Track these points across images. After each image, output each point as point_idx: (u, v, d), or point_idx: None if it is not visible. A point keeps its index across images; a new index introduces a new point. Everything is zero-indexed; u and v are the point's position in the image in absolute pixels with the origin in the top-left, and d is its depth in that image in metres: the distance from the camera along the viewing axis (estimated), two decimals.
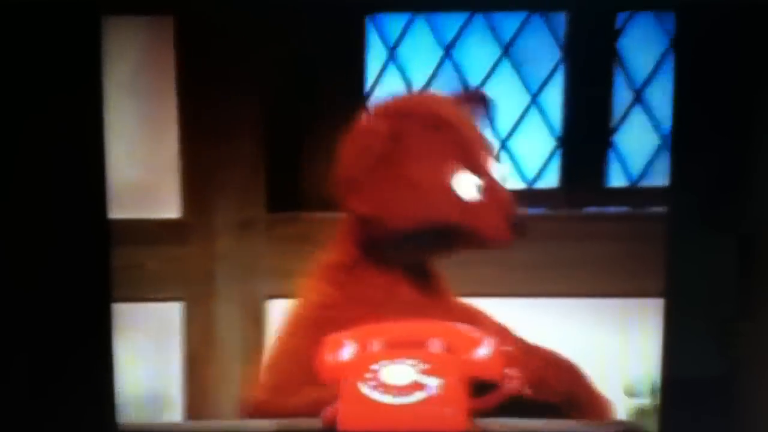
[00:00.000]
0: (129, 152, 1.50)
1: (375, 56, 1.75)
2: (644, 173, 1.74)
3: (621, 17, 1.71)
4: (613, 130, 1.74)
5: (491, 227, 1.24)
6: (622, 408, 1.17)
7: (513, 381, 1.17)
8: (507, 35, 1.74)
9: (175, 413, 1.63)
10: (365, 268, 1.30)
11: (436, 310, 1.28)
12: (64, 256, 0.97)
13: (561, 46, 1.73)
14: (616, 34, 1.72)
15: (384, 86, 1.75)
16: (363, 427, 1.10)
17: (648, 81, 1.73)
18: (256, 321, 1.70)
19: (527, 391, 1.18)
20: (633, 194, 1.73)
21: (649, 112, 1.73)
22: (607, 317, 1.54)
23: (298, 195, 1.73)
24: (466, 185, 1.23)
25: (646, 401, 1.14)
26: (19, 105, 0.95)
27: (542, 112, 1.76)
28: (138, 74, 1.52)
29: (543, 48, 1.75)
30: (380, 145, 1.25)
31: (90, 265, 0.99)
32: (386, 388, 1.10)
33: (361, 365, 1.14)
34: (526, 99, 1.76)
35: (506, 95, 1.76)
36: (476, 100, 1.31)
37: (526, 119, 1.76)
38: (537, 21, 1.74)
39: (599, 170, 1.73)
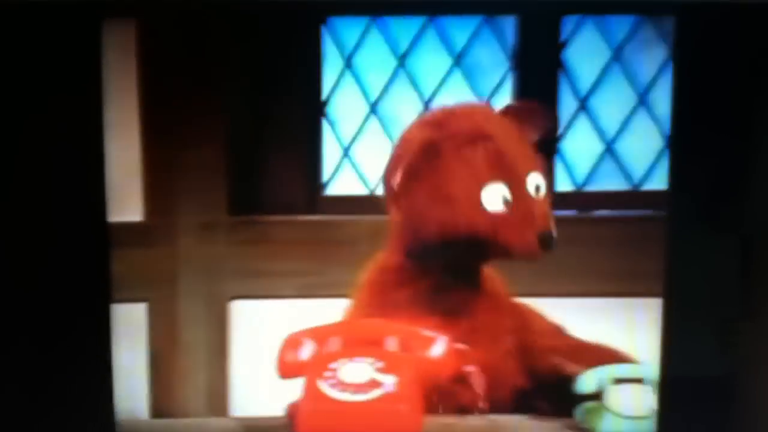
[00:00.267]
0: None
1: (331, 65, 1.75)
2: (588, 178, 1.76)
3: (567, 27, 1.72)
4: (559, 137, 1.75)
5: (518, 241, 1.20)
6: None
7: (474, 377, 1.17)
8: (458, 46, 1.74)
9: (141, 410, 1.61)
10: (411, 271, 1.28)
11: (484, 311, 1.26)
12: (63, 255, 0.95)
13: (509, 55, 1.74)
14: (562, 44, 1.72)
15: (340, 94, 1.75)
16: (322, 423, 1.10)
17: (593, 89, 1.74)
18: (219, 320, 1.68)
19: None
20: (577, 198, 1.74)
21: (594, 120, 1.74)
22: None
23: (258, 199, 1.72)
24: (495, 198, 1.20)
25: (593, 401, 1.14)
26: (20, 106, 0.93)
27: None
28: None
29: (492, 58, 1.75)
30: (415, 155, 1.22)
31: (89, 264, 0.97)
32: (344, 386, 1.09)
33: (321, 364, 1.13)
34: None
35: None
36: (532, 113, 1.27)
37: None
38: (486, 32, 1.74)
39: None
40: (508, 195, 1.20)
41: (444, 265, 1.25)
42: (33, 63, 0.92)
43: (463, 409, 1.19)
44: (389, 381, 1.10)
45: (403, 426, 1.09)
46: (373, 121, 1.76)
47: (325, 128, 1.76)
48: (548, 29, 1.72)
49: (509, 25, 1.73)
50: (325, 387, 1.10)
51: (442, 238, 1.23)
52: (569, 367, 1.18)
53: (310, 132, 1.75)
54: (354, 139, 1.77)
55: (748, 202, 0.88)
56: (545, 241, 1.20)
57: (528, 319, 1.30)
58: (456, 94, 1.74)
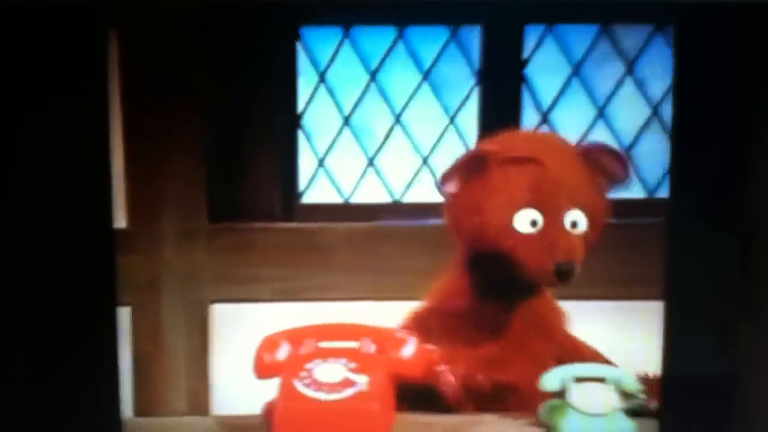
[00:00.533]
0: None
1: (306, 79, 1.74)
2: None
3: (529, 43, 1.73)
4: None
5: (535, 264, 1.18)
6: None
7: (445, 376, 1.16)
8: (426, 61, 1.74)
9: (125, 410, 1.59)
10: (465, 290, 1.27)
11: (532, 336, 1.25)
12: (67, 256, 0.93)
13: (475, 72, 1.74)
14: (525, 60, 1.73)
15: (315, 107, 1.75)
16: (298, 421, 1.09)
17: (555, 102, 1.74)
18: (199, 324, 1.66)
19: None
20: None
21: (554, 131, 1.75)
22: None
23: (237, 207, 1.71)
24: (525, 221, 1.19)
25: (556, 399, 1.14)
26: (23, 106, 0.91)
27: (459, 132, 1.76)
28: None
29: (459, 72, 1.75)
30: (463, 162, 1.21)
31: (93, 264, 0.95)
32: (319, 385, 1.08)
33: (297, 364, 1.12)
34: (444, 120, 1.76)
35: (426, 116, 1.76)
36: (609, 159, 1.24)
37: (445, 138, 1.76)
38: (453, 49, 1.74)
39: None
40: (540, 221, 1.18)
41: (494, 287, 1.24)
42: (37, 64, 0.91)
43: (436, 408, 1.18)
44: (362, 380, 1.09)
45: (375, 423, 1.08)
46: (347, 133, 1.76)
47: (301, 139, 1.76)
48: (511, 44, 1.72)
49: (474, 41, 1.73)
50: (300, 386, 1.09)
51: (476, 249, 1.23)
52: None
53: (287, 143, 1.74)
54: (329, 149, 1.77)
55: (748, 202, 0.87)
56: (562, 272, 1.18)
57: (579, 352, 1.28)
58: (425, 108, 1.74)
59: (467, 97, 1.75)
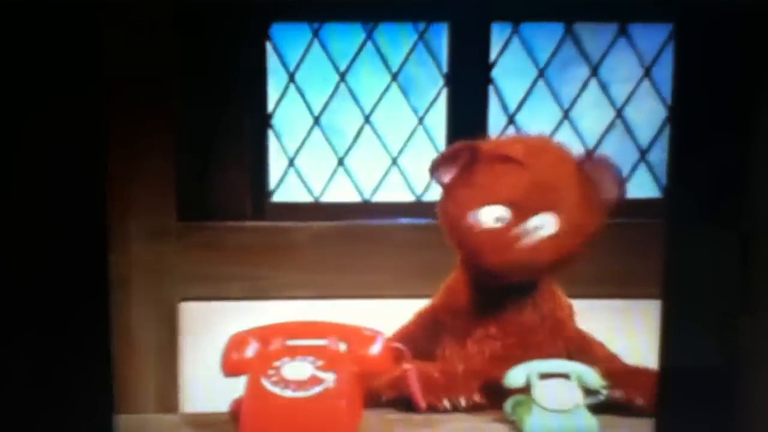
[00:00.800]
0: None
1: (277, 79, 1.74)
2: None
3: (496, 45, 1.73)
4: None
5: (488, 259, 1.19)
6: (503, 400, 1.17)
7: (409, 373, 1.16)
8: (395, 62, 1.74)
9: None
10: (470, 285, 1.26)
11: (540, 332, 1.24)
12: (62, 253, 0.92)
13: (444, 74, 1.74)
14: (492, 64, 1.73)
15: (285, 106, 1.74)
16: (265, 418, 1.08)
17: (522, 103, 1.75)
18: (169, 322, 1.65)
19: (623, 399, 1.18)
20: None
21: (521, 133, 1.75)
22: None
23: (207, 205, 1.70)
24: (491, 215, 1.19)
25: (521, 395, 1.14)
26: (21, 104, 0.89)
27: (428, 132, 1.76)
28: None
29: (427, 73, 1.75)
30: (455, 150, 1.22)
31: (88, 262, 0.94)
32: (286, 383, 1.08)
33: (265, 362, 1.12)
34: (413, 121, 1.76)
35: (395, 117, 1.76)
36: (602, 172, 1.23)
37: (414, 138, 1.76)
38: (421, 50, 1.74)
39: None
40: (506, 218, 1.18)
41: (494, 284, 1.24)
42: (32, 62, 0.89)
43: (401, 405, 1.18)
44: (329, 378, 1.09)
45: (342, 421, 1.08)
46: (317, 133, 1.75)
47: (271, 139, 1.75)
48: (479, 45, 1.72)
49: (442, 41, 1.73)
50: (268, 384, 1.09)
51: (453, 242, 1.23)
52: (618, 392, 1.17)
53: (257, 142, 1.73)
54: (299, 149, 1.76)
55: (747, 199, 0.86)
56: (512, 268, 1.18)
57: (587, 345, 1.28)
58: (394, 108, 1.74)
59: (436, 98, 1.75)
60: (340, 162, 1.76)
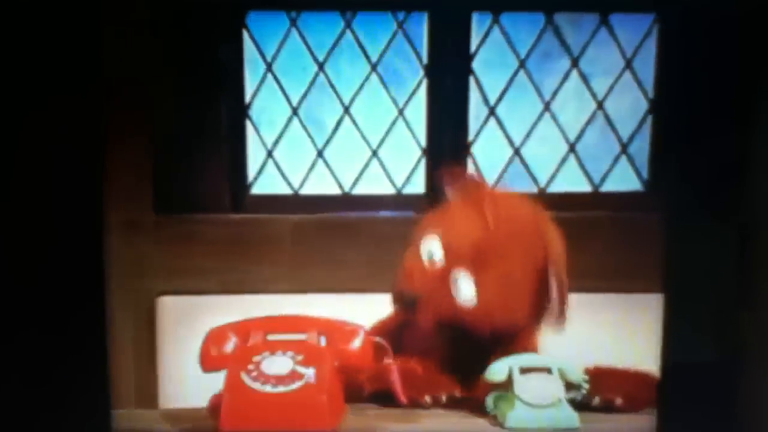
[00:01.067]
0: None
1: (254, 70, 1.72)
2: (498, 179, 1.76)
3: (476, 37, 1.72)
4: (471, 143, 1.75)
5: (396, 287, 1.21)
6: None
7: (390, 368, 1.16)
8: (375, 54, 1.73)
9: None
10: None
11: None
12: (61, 253, 0.91)
13: (424, 65, 1.73)
14: (473, 55, 1.72)
15: (263, 97, 1.73)
16: (245, 414, 1.07)
17: (502, 95, 1.74)
18: (147, 315, 1.65)
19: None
20: None
21: (502, 125, 1.75)
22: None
23: (185, 197, 1.69)
24: (428, 247, 1.19)
25: (502, 389, 1.14)
26: (20, 104, 0.88)
27: (408, 124, 1.75)
28: None
29: (408, 65, 1.74)
30: (459, 181, 1.23)
31: (85, 259, 0.93)
32: (266, 378, 1.07)
33: (244, 357, 1.11)
34: (393, 112, 1.75)
35: (375, 108, 1.75)
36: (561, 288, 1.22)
37: (394, 130, 1.76)
38: (401, 42, 1.73)
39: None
40: (438, 259, 1.18)
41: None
42: (32, 60, 0.88)
43: (383, 399, 1.18)
44: (310, 373, 1.08)
45: (323, 416, 1.07)
46: (295, 124, 1.74)
47: (249, 130, 1.74)
48: (459, 35, 1.72)
49: (422, 31, 1.72)
50: (247, 379, 1.08)
51: None
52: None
53: (235, 134, 1.72)
54: (277, 141, 1.75)
55: (747, 192, 0.86)
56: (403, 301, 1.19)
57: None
58: (374, 99, 1.73)
59: (416, 90, 1.74)
60: (320, 154, 1.75)
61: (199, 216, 1.65)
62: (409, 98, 1.74)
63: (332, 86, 1.73)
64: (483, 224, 1.18)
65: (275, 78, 1.73)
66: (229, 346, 1.14)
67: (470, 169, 1.25)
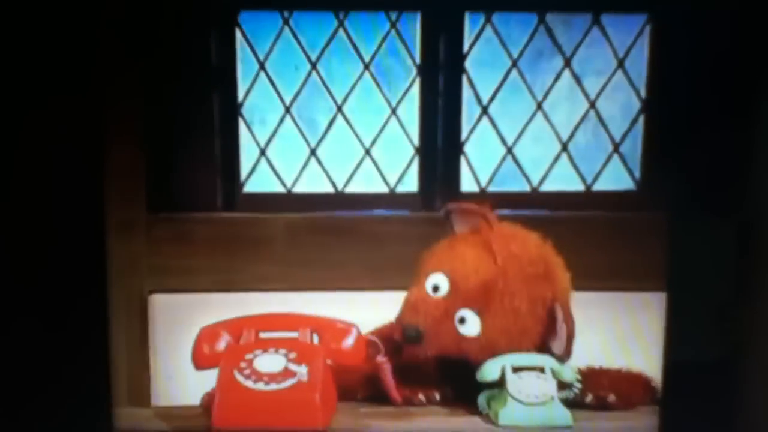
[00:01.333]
0: None
1: (247, 68, 1.72)
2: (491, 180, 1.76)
3: (469, 36, 1.72)
4: (464, 142, 1.75)
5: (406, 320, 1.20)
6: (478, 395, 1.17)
7: (383, 366, 1.15)
8: (368, 53, 1.73)
9: None
10: None
11: None
12: (61, 253, 0.91)
13: (416, 65, 1.73)
14: (466, 54, 1.72)
15: (256, 96, 1.73)
16: (237, 412, 1.07)
17: (494, 95, 1.74)
18: (139, 314, 1.65)
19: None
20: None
21: (494, 125, 1.75)
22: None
23: (177, 196, 1.68)
24: (433, 282, 1.19)
25: (495, 387, 1.14)
26: (20, 104, 0.88)
27: (401, 123, 1.75)
28: None
29: (401, 64, 1.74)
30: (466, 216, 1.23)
31: (87, 261, 0.93)
32: (259, 376, 1.07)
33: (236, 355, 1.11)
34: (386, 111, 1.75)
35: (367, 107, 1.75)
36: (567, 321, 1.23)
37: (387, 129, 1.75)
38: (394, 39, 1.73)
39: (453, 176, 1.74)
40: (443, 293, 1.17)
41: None
42: (32, 60, 0.88)
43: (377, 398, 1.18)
44: (302, 370, 1.08)
45: (315, 413, 1.07)
46: (288, 122, 1.74)
47: (242, 129, 1.73)
48: (452, 34, 1.72)
49: (415, 30, 1.72)
50: (240, 377, 1.08)
51: None
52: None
53: (228, 132, 1.71)
54: (270, 139, 1.75)
55: (747, 193, 0.86)
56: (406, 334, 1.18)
57: None
58: (367, 98, 1.73)
59: (408, 89, 1.74)
60: (313, 152, 1.75)
61: (192, 214, 1.65)
62: (402, 97, 1.74)
63: (325, 85, 1.73)
64: (491, 260, 1.17)
65: (268, 77, 1.72)
66: (222, 344, 1.14)
67: (479, 204, 1.22)
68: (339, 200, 1.76)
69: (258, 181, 1.76)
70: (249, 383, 1.07)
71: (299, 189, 1.77)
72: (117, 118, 1.44)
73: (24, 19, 0.88)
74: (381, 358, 1.17)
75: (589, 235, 1.58)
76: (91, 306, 0.94)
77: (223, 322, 1.17)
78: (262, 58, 1.72)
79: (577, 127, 1.75)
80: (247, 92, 1.72)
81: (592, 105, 1.74)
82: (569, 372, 1.15)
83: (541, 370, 1.13)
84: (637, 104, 1.73)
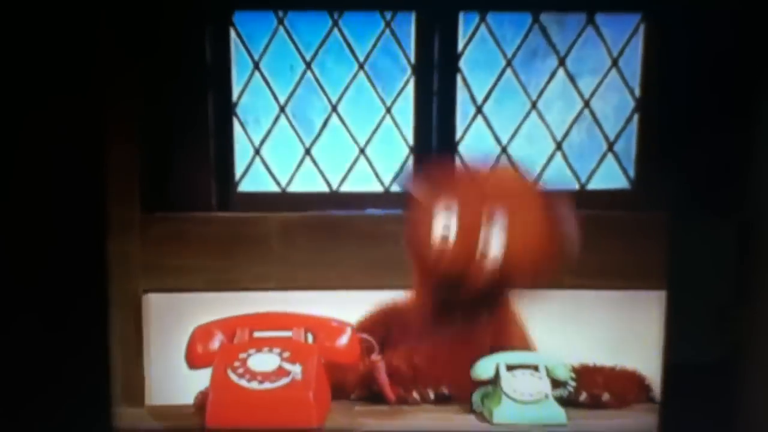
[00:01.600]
0: None
1: (242, 69, 1.72)
2: None
3: (463, 36, 1.72)
4: (458, 142, 1.75)
5: (433, 273, 1.21)
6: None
7: (377, 365, 1.15)
8: (362, 53, 1.73)
9: None
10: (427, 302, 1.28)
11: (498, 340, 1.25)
12: (62, 253, 0.91)
13: (411, 64, 1.73)
14: (460, 54, 1.72)
15: (251, 96, 1.73)
16: (231, 411, 1.07)
17: (489, 95, 1.74)
18: (133, 313, 1.64)
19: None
20: None
21: (489, 124, 1.75)
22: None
23: (172, 195, 1.68)
24: (444, 224, 1.20)
25: (489, 386, 1.14)
26: (20, 104, 0.88)
27: (395, 123, 1.75)
28: None
29: (395, 63, 1.74)
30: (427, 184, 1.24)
31: (87, 261, 0.93)
32: (253, 375, 1.07)
33: (230, 354, 1.10)
34: (381, 110, 1.75)
35: (362, 107, 1.75)
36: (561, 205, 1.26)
37: (381, 128, 1.75)
38: (389, 39, 1.73)
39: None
40: (451, 234, 1.19)
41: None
42: (32, 60, 0.88)
43: (371, 397, 1.17)
44: (296, 369, 1.08)
45: (310, 412, 1.07)
46: (283, 122, 1.74)
47: (236, 128, 1.73)
48: (446, 34, 1.72)
49: (409, 30, 1.72)
50: (233, 376, 1.07)
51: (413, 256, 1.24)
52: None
53: (222, 132, 1.72)
54: (264, 139, 1.74)
55: (748, 189, 0.86)
56: (445, 285, 1.20)
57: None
58: (362, 97, 1.73)
59: (403, 88, 1.74)
60: (307, 152, 1.75)
61: (187, 214, 1.65)
62: (397, 97, 1.74)
63: (320, 85, 1.73)
64: (474, 184, 1.20)
65: (263, 77, 1.72)
66: (215, 343, 1.14)
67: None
68: (333, 199, 1.76)
69: (253, 181, 1.76)
70: (243, 382, 1.07)
71: (294, 188, 1.77)
72: (113, 118, 1.44)
73: (24, 19, 0.87)
74: (375, 357, 1.16)
75: (583, 234, 1.57)
76: (91, 306, 0.94)
77: (217, 322, 1.16)
78: (256, 58, 1.72)
79: (571, 127, 1.75)
80: (242, 92, 1.72)
81: (587, 104, 1.74)
82: (563, 370, 1.15)
83: (535, 368, 1.13)
84: (631, 103, 1.73)
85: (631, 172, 1.74)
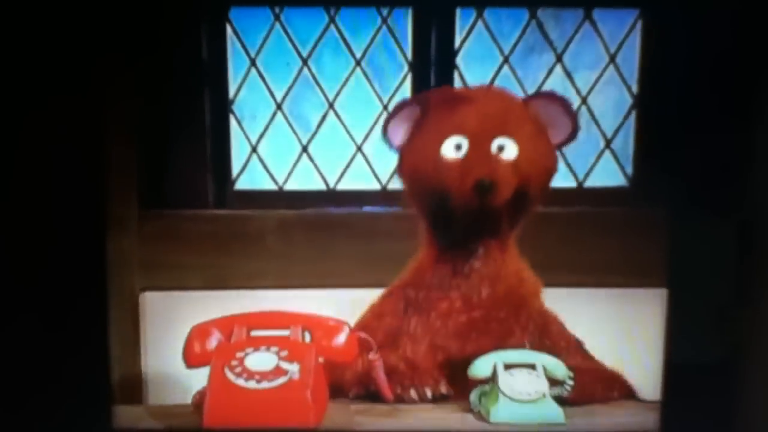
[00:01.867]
0: None
1: (238, 65, 1.72)
2: None
3: (460, 31, 1.72)
4: None
5: (455, 186, 1.23)
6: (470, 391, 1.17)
7: (375, 364, 1.16)
8: (359, 49, 1.73)
9: None
10: (434, 256, 1.31)
11: (502, 307, 1.25)
12: (62, 252, 0.91)
13: (408, 61, 1.73)
14: (457, 50, 1.72)
15: (247, 92, 1.72)
16: (229, 410, 1.07)
17: None
18: (130, 312, 1.64)
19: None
20: None
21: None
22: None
23: (169, 193, 1.68)
24: (450, 146, 1.23)
25: (486, 385, 1.14)
26: (20, 104, 0.88)
27: None
28: None
29: (392, 60, 1.74)
30: (406, 104, 1.33)
31: (87, 260, 0.93)
32: (250, 374, 1.08)
33: (228, 353, 1.11)
34: (378, 107, 1.75)
35: (359, 104, 1.75)
36: (556, 106, 1.30)
37: (378, 125, 1.75)
38: (386, 37, 1.73)
39: None
40: (465, 146, 1.22)
41: (457, 254, 1.27)
42: (32, 60, 0.88)
43: (369, 396, 1.18)
44: (294, 368, 1.08)
45: (307, 411, 1.07)
46: (280, 119, 1.74)
47: (233, 125, 1.73)
48: (444, 30, 1.72)
49: (406, 26, 1.72)
50: (231, 375, 1.08)
51: (411, 186, 1.26)
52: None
53: (219, 129, 1.71)
54: (261, 136, 1.74)
55: (748, 189, 0.86)
56: (481, 188, 1.21)
57: (548, 327, 1.29)
58: (359, 94, 1.73)
59: (400, 85, 1.74)
60: (304, 149, 1.75)
61: (183, 211, 1.65)
62: (394, 93, 1.74)
63: (316, 81, 1.73)
64: (465, 102, 1.26)
65: (259, 73, 1.72)
66: (213, 342, 1.15)
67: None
68: (331, 197, 1.76)
69: (249, 178, 1.76)
70: (240, 381, 1.07)
71: (291, 186, 1.76)
72: (112, 118, 1.44)
73: (24, 19, 0.87)
74: (373, 356, 1.17)
75: (581, 231, 1.58)
76: (91, 305, 0.95)
77: (214, 321, 1.17)
78: (252, 54, 1.71)
79: None
80: (238, 89, 1.72)
81: (584, 100, 1.74)
82: (561, 369, 1.15)
83: (533, 367, 1.14)
84: (628, 100, 1.73)
85: (629, 170, 1.74)
